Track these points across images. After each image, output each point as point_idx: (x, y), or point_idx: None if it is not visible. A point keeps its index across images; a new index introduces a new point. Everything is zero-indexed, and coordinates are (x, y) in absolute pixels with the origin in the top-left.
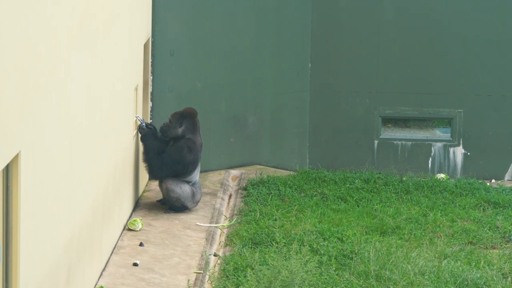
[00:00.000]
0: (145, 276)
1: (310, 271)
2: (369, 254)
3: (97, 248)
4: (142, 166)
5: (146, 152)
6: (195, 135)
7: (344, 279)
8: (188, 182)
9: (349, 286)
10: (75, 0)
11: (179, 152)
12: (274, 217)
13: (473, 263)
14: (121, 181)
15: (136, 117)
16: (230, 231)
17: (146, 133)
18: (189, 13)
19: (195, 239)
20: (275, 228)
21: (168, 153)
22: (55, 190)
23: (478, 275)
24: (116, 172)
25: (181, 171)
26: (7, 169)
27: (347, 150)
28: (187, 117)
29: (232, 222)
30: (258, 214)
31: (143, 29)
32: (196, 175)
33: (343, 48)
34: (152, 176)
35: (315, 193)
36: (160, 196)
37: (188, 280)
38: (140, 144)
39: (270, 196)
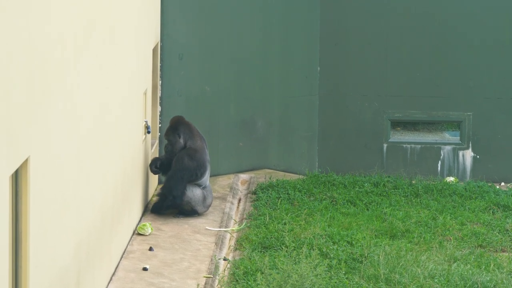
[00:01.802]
0: (155, 280)
1: (320, 275)
2: (378, 257)
3: (107, 253)
4: (172, 199)
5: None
6: (194, 140)
7: (354, 282)
8: (199, 186)
9: None
10: (82, 5)
11: (180, 162)
12: (283, 221)
13: (483, 266)
14: (130, 185)
15: (145, 121)
16: (240, 235)
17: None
18: (197, 18)
19: (205, 243)
20: (285, 232)
21: (174, 171)
22: (63, 195)
23: (488, 278)
24: (125, 177)
25: (191, 178)
26: (16, 174)
27: (356, 154)
28: (179, 125)
29: (242, 226)
30: (268, 218)
31: (151, 34)
32: (206, 180)
33: (351, 51)
34: (174, 197)
35: (324, 196)
36: None
37: (198, 285)
38: (151, 150)
39: (280, 200)
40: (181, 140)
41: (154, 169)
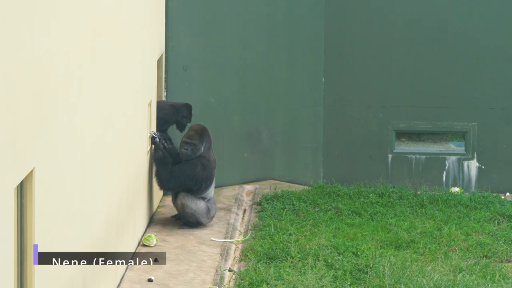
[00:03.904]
0: None
1: (326, 286)
2: (384, 268)
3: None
4: (156, 182)
5: (155, 164)
6: (209, 152)
7: None
8: (203, 199)
9: None
10: (87, 18)
11: (193, 169)
12: (288, 232)
13: (488, 277)
14: (135, 197)
15: (151, 132)
16: (245, 246)
17: (157, 145)
18: (202, 29)
19: (210, 254)
20: (290, 243)
21: (180, 167)
22: (68, 206)
23: None
24: (130, 188)
25: (193, 187)
26: (21, 185)
27: (361, 164)
28: (205, 134)
29: (247, 237)
30: (273, 229)
31: (156, 45)
32: (211, 192)
33: (356, 62)
34: (160, 187)
35: (329, 207)
36: (174, 211)
37: None
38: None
39: (285, 211)
40: (202, 149)
41: (157, 140)
